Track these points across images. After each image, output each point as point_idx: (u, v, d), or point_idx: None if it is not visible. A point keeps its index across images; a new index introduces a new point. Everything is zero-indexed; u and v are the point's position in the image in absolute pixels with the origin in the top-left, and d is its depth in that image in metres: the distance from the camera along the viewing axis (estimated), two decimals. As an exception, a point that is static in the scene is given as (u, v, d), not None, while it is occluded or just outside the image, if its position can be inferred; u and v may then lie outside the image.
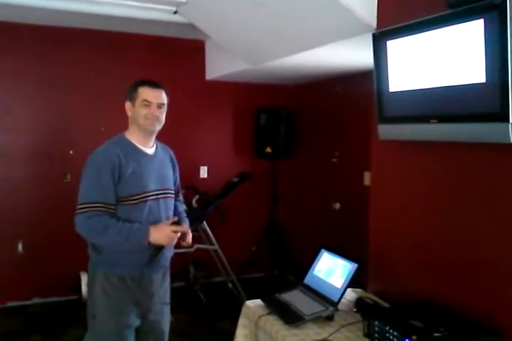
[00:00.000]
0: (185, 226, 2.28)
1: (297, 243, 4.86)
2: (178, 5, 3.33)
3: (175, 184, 2.40)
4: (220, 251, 4.24)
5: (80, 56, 4.15)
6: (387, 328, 1.71)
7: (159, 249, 2.16)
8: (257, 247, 4.72)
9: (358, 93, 3.91)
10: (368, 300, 2.10)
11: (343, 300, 2.07)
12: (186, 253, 4.15)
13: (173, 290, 4.41)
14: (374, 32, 2.11)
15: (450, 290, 1.92)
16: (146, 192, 2.14)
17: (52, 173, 4.15)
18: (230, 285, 4.37)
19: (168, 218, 2.24)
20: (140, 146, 2.21)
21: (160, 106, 2.19)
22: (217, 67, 4.37)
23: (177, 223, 2.20)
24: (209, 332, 3.69)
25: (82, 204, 2.06)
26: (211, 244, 4.24)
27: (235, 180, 4.23)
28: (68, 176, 4.14)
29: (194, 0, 3.16)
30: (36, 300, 4.17)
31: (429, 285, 2.02)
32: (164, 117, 2.23)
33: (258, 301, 2.21)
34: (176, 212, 2.37)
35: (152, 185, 2.17)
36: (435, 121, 1.83)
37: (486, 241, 1.78)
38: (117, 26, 4.02)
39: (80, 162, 4.29)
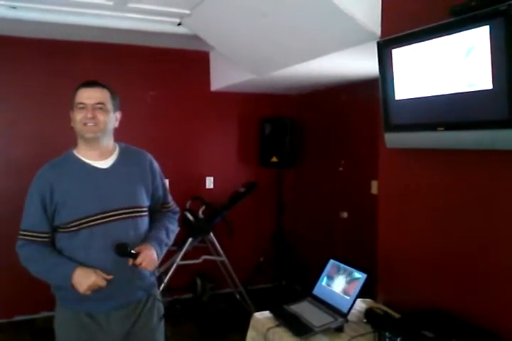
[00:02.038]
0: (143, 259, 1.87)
1: (305, 253, 4.83)
2: (182, 17, 3.34)
3: (155, 194, 2.10)
4: (227, 262, 4.22)
5: (84, 68, 4.16)
6: (399, 339, 1.68)
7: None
8: (264, 258, 4.69)
9: (363, 101, 3.91)
10: (378, 311, 2.07)
11: (352, 310, 2.05)
12: (193, 264, 4.14)
13: (180, 302, 4.43)
14: (378, 40, 2.11)
15: (462, 299, 1.89)
16: (91, 216, 1.86)
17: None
18: (237, 296, 4.34)
19: (130, 242, 1.89)
20: (89, 161, 1.94)
21: (98, 106, 1.89)
22: (222, 78, 4.39)
23: (119, 253, 1.86)
24: (217, 345, 3.67)
25: (19, 230, 1.93)
26: (218, 255, 4.21)
27: (242, 190, 4.22)
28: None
29: (198, 11, 3.17)
30: (44, 314, 4.14)
31: (441, 295, 1.99)
32: (108, 119, 1.94)
33: (266, 313, 2.19)
34: (150, 229, 2.05)
35: (102, 206, 1.88)
36: (442, 128, 1.82)
37: (498, 249, 1.75)
38: (121, 39, 4.04)
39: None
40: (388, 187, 2.37)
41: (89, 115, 1.87)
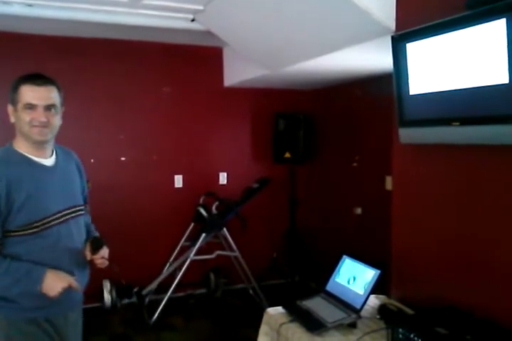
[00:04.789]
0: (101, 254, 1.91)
1: (318, 249, 4.82)
2: (195, 12, 3.35)
3: (82, 194, 2.04)
4: (240, 258, 4.22)
5: (98, 65, 4.19)
6: (412, 336, 1.67)
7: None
8: (277, 253, 4.69)
9: (377, 96, 3.87)
10: (392, 307, 2.06)
11: (366, 306, 2.04)
12: (207, 260, 4.16)
13: (194, 297, 4.46)
14: (393, 35, 2.09)
15: (476, 295, 1.87)
16: (51, 216, 1.79)
17: (73, 181, 4.18)
18: (251, 291, 4.34)
19: (82, 241, 1.93)
20: (34, 158, 1.81)
21: (49, 108, 1.77)
22: (235, 74, 4.38)
23: (96, 246, 1.91)
24: (231, 340, 3.68)
25: None
26: (232, 250, 4.22)
27: (255, 186, 4.21)
28: (89, 184, 4.15)
29: (211, 7, 3.17)
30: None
31: (455, 291, 1.98)
32: (58, 120, 1.84)
33: (279, 308, 2.19)
34: (86, 228, 2.04)
35: (56, 206, 1.83)
36: (457, 123, 1.79)
37: (513, 246, 1.73)
38: (135, 35, 4.06)
39: (100, 170, 4.35)
40: (402, 183, 2.35)
41: (43, 119, 1.75)
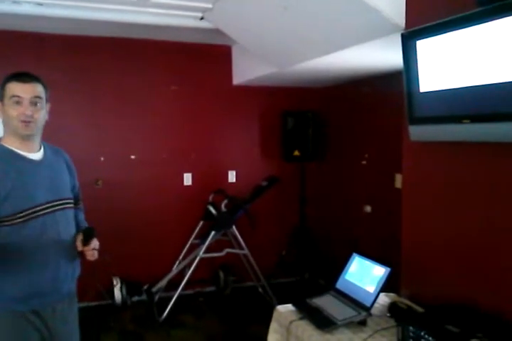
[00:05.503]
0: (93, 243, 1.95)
1: (328, 247, 4.82)
2: (204, 11, 3.35)
3: (73, 191, 2.09)
4: (249, 256, 4.23)
5: (106, 64, 4.21)
6: (423, 333, 1.67)
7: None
8: (287, 251, 4.69)
9: (386, 94, 3.86)
10: (402, 305, 2.06)
11: (375, 304, 2.04)
12: (216, 258, 4.17)
13: (204, 295, 4.48)
14: (403, 32, 2.08)
15: (486, 292, 1.87)
16: (37, 206, 1.83)
17: (84, 180, 4.15)
18: (260, 289, 4.36)
19: (69, 233, 1.96)
20: (21, 152, 1.88)
21: (34, 101, 1.84)
22: (244, 72, 4.39)
23: (88, 236, 1.94)
24: (240, 337, 3.69)
25: None
26: (241, 248, 4.23)
27: (264, 184, 4.22)
28: (100, 182, 4.19)
29: (220, 5, 3.17)
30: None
31: (465, 289, 1.97)
32: (43, 115, 1.90)
33: (289, 306, 2.19)
34: (77, 223, 2.07)
35: (43, 197, 1.87)
36: (468, 121, 1.78)
37: (525, 244, 1.72)
38: (144, 34, 4.07)
39: (110, 168, 4.37)
40: (412, 181, 2.34)
41: (29, 112, 1.82)
